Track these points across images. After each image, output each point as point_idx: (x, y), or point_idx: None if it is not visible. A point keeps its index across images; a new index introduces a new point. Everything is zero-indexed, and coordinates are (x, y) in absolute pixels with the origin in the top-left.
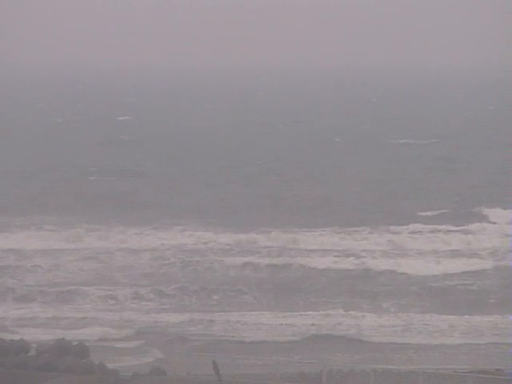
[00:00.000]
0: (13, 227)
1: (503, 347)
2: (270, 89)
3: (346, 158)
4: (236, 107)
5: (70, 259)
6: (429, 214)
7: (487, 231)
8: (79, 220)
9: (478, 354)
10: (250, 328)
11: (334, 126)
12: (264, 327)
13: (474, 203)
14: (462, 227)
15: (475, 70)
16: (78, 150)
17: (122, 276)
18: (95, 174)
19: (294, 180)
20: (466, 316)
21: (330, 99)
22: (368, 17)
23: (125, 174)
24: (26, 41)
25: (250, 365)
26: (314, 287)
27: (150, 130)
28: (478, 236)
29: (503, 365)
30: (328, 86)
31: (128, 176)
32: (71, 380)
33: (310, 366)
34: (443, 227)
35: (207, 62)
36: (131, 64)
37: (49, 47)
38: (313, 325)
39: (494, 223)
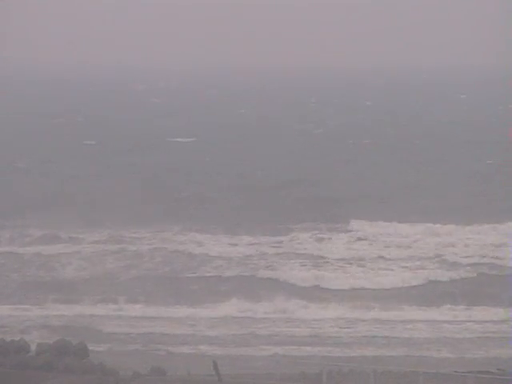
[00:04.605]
0: None
1: None
2: (265, 89)
3: None
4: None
5: None
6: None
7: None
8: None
9: None
10: None
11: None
12: None
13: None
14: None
15: (468, 70)
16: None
17: None
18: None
19: None
20: None
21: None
22: (367, 17)
23: None
24: (25, 40)
25: (250, 365)
26: None
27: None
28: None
29: (504, 365)
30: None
31: None
32: (71, 380)
33: (309, 366)
34: None
35: (204, 61)
36: (133, 64)
37: (50, 47)
38: None
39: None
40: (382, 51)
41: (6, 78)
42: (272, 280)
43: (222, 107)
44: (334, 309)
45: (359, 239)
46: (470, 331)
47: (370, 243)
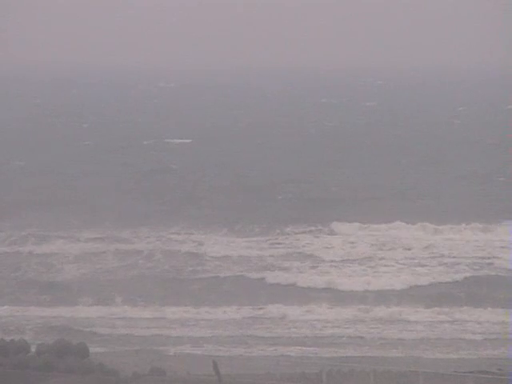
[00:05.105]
0: None
1: None
2: (261, 90)
3: None
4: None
5: None
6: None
7: None
8: None
9: None
10: None
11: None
12: None
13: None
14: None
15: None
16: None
17: None
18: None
19: None
20: None
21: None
22: (367, 16)
23: None
24: (24, 40)
25: (250, 365)
26: None
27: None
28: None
29: (503, 365)
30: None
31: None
32: (71, 380)
33: (309, 366)
34: None
35: (205, 62)
36: (133, 64)
37: (48, 46)
38: None
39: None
40: (381, 51)
41: (6, 77)
42: (271, 280)
43: (220, 108)
44: (334, 309)
45: (355, 240)
46: (469, 332)
47: (366, 244)
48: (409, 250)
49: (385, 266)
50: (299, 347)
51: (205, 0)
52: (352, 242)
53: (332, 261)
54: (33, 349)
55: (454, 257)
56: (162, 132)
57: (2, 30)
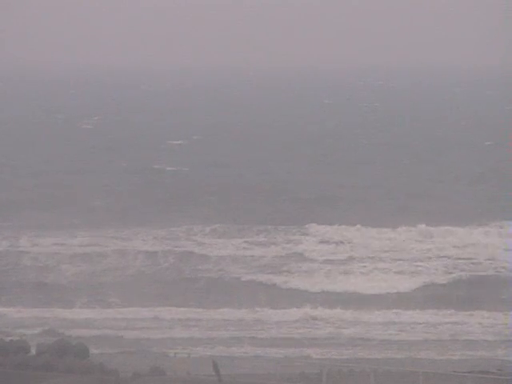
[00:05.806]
0: None
1: None
2: (260, 90)
3: None
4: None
5: None
6: None
7: None
8: None
9: None
10: None
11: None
12: None
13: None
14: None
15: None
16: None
17: None
18: None
19: None
20: None
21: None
22: (367, 16)
23: None
24: (24, 40)
25: (250, 365)
26: None
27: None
28: None
29: (503, 365)
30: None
31: None
32: (71, 380)
33: (309, 366)
34: None
35: (205, 61)
36: (133, 65)
37: (49, 47)
38: None
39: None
40: (381, 51)
41: (6, 78)
42: (270, 281)
43: (220, 107)
44: (332, 310)
45: (354, 240)
46: (469, 332)
47: (363, 245)
48: (407, 250)
49: (382, 267)
50: (299, 348)
51: (205, 0)
52: (350, 243)
53: (326, 261)
54: (33, 349)
55: (448, 257)
56: (162, 132)
57: (2, 30)
